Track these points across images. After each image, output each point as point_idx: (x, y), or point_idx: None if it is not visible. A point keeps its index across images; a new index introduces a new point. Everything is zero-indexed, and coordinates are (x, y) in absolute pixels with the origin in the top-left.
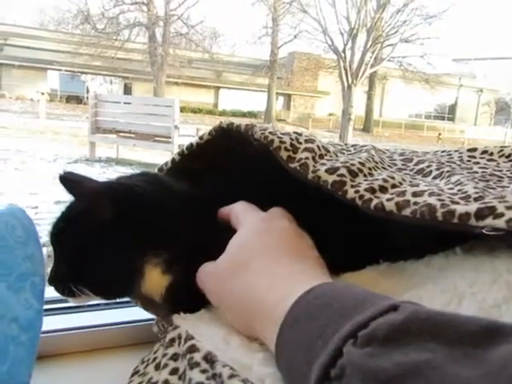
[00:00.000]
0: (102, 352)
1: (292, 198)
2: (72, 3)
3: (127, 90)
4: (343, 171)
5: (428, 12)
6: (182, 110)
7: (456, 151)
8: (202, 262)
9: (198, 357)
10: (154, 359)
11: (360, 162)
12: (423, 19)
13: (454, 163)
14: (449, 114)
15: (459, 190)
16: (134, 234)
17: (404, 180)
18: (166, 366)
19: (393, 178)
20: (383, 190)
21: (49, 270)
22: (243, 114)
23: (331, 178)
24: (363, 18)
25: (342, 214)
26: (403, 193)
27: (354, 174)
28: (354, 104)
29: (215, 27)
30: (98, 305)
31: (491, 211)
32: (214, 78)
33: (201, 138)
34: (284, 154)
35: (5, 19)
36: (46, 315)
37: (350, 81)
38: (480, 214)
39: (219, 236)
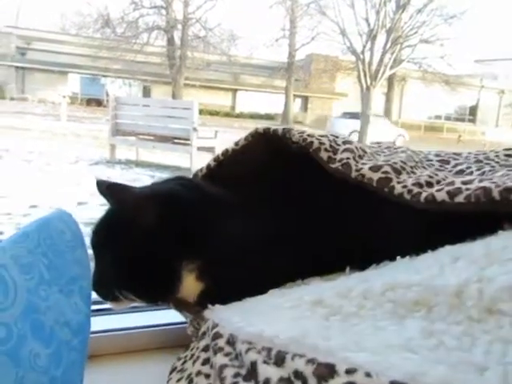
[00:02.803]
0: (134, 354)
1: (329, 199)
2: (93, 8)
3: (146, 93)
4: (387, 169)
5: (448, 12)
6: (200, 112)
7: (491, 151)
8: (234, 271)
9: (221, 342)
10: (192, 355)
11: (401, 161)
12: (443, 20)
13: (493, 161)
14: (469, 115)
15: (508, 178)
16: (175, 239)
17: (447, 177)
18: (198, 358)
19: (436, 174)
20: (429, 184)
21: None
22: (260, 116)
23: (376, 176)
24: (382, 19)
25: (378, 213)
26: (452, 183)
27: (397, 172)
28: (372, 106)
29: (233, 30)
30: (131, 307)
31: None
32: (231, 80)
33: (236, 143)
34: (324, 155)
35: (28, 24)
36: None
37: (368, 82)
38: None
39: (252, 244)
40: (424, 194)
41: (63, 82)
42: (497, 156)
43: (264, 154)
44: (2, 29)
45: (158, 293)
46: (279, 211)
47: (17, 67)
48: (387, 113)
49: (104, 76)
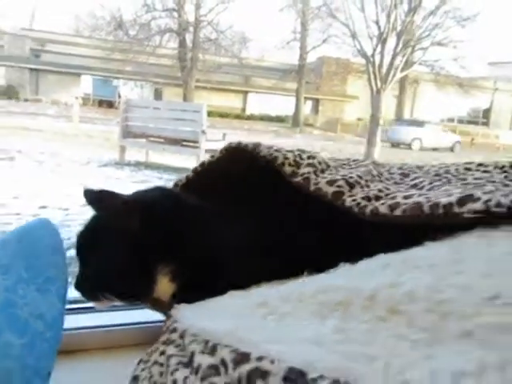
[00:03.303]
0: (113, 350)
1: (293, 209)
2: (106, 10)
3: (157, 95)
4: (341, 183)
5: (461, 14)
6: (210, 114)
7: (453, 164)
8: (204, 275)
9: (174, 336)
10: (156, 348)
11: (358, 175)
12: (456, 22)
13: (451, 174)
14: (483, 118)
15: (445, 191)
16: (153, 244)
17: (399, 191)
18: (157, 349)
19: (388, 189)
20: (378, 198)
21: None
22: (271, 119)
23: (331, 189)
24: (393, 22)
25: (337, 224)
26: (394, 197)
27: (351, 186)
28: (382, 109)
29: (244, 32)
30: (111, 306)
31: (470, 198)
32: (242, 82)
33: (212, 156)
34: (288, 170)
35: (42, 27)
36: (69, 314)
37: (379, 85)
38: (461, 202)
39: (221, 249)
40: (369, 208)
41: (76, 84)
42: (457, 170)
43: (237, 167)
44: (17, 31)
45: (137, 293)
46: (248, 219)
47: (31, 69)
48: (399, 116)
49: (116, 78)
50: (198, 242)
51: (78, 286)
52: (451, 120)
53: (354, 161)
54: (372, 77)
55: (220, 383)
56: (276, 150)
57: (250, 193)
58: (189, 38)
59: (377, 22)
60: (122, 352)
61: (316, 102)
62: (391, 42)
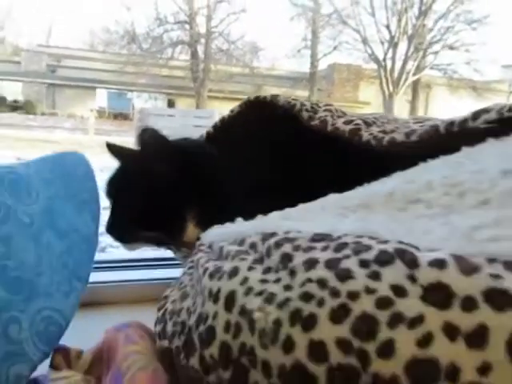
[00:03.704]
0: (145, 303)
1: (310, 151)
2: (120, 25)
3: (171, 106)
4: (359, 121)
5: (472, 17)
6: None
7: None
8: (225, 218)
9: (202, 247)
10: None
11: (374, 117)
12: (467, 24)
13: None
14: None
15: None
16: (185, 188)
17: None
18: (185, 265)
19: (403, 126)
20: (394, 131)
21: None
22: None
23: (348, 127)
24: (404, 26)
25: (354, 163)
26: (409, 126)
27: (368, 124)
28: (394, 113)
29: (255, 42)
30: (143, 261)
31: (483, 110)
32: (254, 91)
33: (232, 111)
34: (305, 115)
35: (58, 42)
36: (100, 270)
37: (391, 90)
38: (475, 116)
39: (240, 199)
40: (386, 138)
41: (91, 98)
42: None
43: (255, 119)
44: (34, 48)
45: (169, 233)
46: (268, 165)
47: (48, 84)
48: None
49: (130, 90)
50: (218, 189)
51: (110, 229)
52: None
53: (370, 114)
54: (384, 81)
55: (250, 258)
56: (293, 99)
57: (268, 142)
58: (200, 49)
59: (387, 27)
60: (148, 305)
61: None
62: (402, 46)
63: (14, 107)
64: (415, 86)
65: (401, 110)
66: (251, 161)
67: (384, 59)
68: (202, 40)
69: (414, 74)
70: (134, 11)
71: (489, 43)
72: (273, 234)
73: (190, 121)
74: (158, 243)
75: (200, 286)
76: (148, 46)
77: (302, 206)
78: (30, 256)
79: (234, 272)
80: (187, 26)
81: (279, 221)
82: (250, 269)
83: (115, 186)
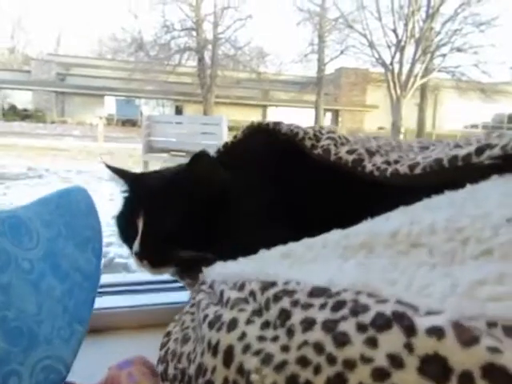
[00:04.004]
0: (150, 329)
1: (314, 181)
2: (127, 33)
3: (178, 112)
4: (361, 151)
5: (480, 19)
6: (231, 129)
7: (474, 136)
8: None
9: (204, 287)
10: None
11: (377, 145)
12: (475, 27)
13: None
14: (508, 123)
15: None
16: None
17: (418, 156)
18: (188, 303)
19: (407, 155)
20: (397, 162)
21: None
22: None
23: (351, 157)
24: (411, 29)
25: (357, 194)
26: (414, 159)
27: (371, 154)
28: (403, 116)
29: (262, 47)
30: (150, 285)
31: (487, 146)
32: (261, 96)
33: (234, 137)
34: (308, 143)
35: (67, 51)
36: (105, 295)
37: (398, 93)
38: (479, 151)
39: (254, 218)
40: (389, 170)
41: (100, 105)
42: (478, 140)
43: (258, 145)
44: (43, 57)
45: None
46: (271, 193)
47: (57, 92)
48: (421, 123)
49: (138, 97)
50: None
51: (142, 251)
52: (475, 126)
53: (373, 137)
54: (391, 85)
55: (248, 309)
56: (296, 127)
57: (271, 169)
58: (207, 55)
59: (394, 30)
60: (153, 330)
61: (335, 113)
62: (410, 49)
63: (24, 116)
64: (423, 88)
65: (409, 113)
66: (253, 188)
67: (391, 63)
68: (209, 46)
69: (422, 77)
70: (141, 19)
71: (497, 45)
72: (273, 284)
73: (198, 128)
74: (190, 267)
75: (200, 331)
76: (155, 53)
77: (303, 242)
78: (30, 304)
79: (232, 324)
80: (194, 33)
81: (280, 263)
82: (249, 322)
83: (155, 202)
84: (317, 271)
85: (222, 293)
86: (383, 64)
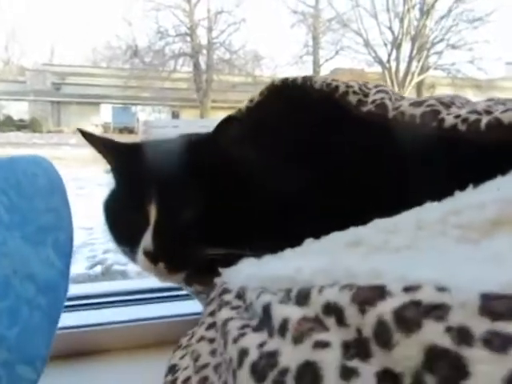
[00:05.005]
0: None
1: (359, 149)
2: (121, 40)
3: (175, 118)
4: (433, 102)
5: (474, 16)
6: None
7: None
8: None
9: (228, 297)
10: (200, 324)
11: (449, 97)
12: (469, 23)
13: None
14: None
15: None
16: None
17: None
18: (203, 323)
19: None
20: (489, 112)
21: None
22: None
23: (419, 110)
24: (407, 27)
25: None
26: (497, 109)
27: (446, 106)
28: None
29: (257, 50)
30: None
31: None
32: None
33: (251, 100)
34: (353, 99)
35: (62, 60)
36: (89, 309)
37: (396, 91)
38: None
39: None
40: (484, 120)
41: (96, 113)
42: None
43: (281, 108)
44: (38, 67)
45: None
46: (298, 164)
47: (52, 102)
48: None
49: (134, 104)
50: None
51: (157, 250)
52: None
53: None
54: (389, 82)
55: (335, 344)
56: (334, 80)
57: (303, 138)
58: (202, 60)
59: (390, 28)
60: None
61: None
62: (406, 47)
63: (20, 126)
64: (419, 87)
65: None
66: (283, 165)
67: (388, 60)
68: (204, 51)
69: (419, 75)
70: (135, 26)
71: (492, 41)
72: (380, 291)
73: (195, 130)
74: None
75: (234, 380)
76: (150, 59)
77: (375, 225)
78: None
79: (311, 378)
80: (188, 38)
81: (348, 255)
82: (346, 373)
83: (162, 184)
84: (428, 263)
85: (266, 309)
86: (380, 62)
